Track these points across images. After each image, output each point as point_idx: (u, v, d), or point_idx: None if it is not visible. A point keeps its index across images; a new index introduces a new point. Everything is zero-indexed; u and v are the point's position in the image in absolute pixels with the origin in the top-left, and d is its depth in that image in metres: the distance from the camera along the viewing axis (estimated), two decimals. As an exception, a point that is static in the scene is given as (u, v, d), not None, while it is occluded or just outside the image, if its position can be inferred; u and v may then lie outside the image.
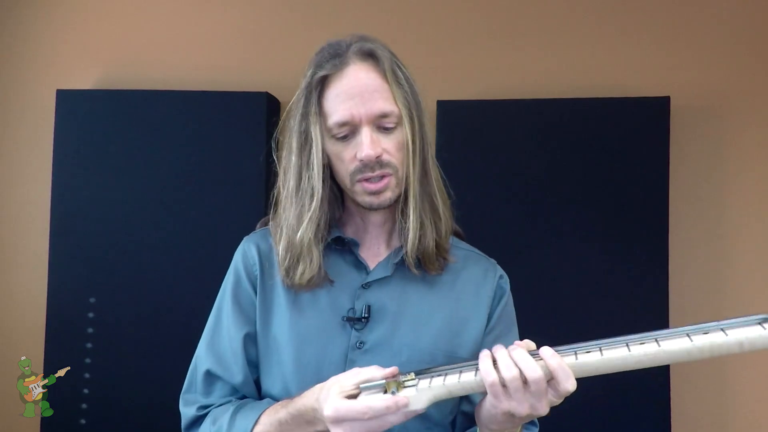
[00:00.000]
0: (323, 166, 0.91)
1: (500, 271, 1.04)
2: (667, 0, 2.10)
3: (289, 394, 0.91)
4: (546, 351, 0.76)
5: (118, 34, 2.28)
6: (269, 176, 2.08)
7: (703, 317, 2.03)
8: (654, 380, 1.90)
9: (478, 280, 1.01)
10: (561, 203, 1.98)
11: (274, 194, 1.00)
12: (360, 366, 0.82)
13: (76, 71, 2.27)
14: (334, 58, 0.90)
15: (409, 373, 0.80)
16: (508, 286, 1.03)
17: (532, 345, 0.80)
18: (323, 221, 0.93)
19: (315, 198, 0.91)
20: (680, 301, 2.01)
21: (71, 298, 2.07)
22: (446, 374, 0.79)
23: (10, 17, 2.29)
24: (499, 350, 0.78)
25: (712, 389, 2.02)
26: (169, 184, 2.07)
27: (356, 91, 0.89)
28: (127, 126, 2.09)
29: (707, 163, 2.06)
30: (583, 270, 1.96)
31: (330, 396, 0.79)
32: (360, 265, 0.97)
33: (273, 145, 1.07)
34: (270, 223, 1.02)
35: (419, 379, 0.79)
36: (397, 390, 0.77)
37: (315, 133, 0.91)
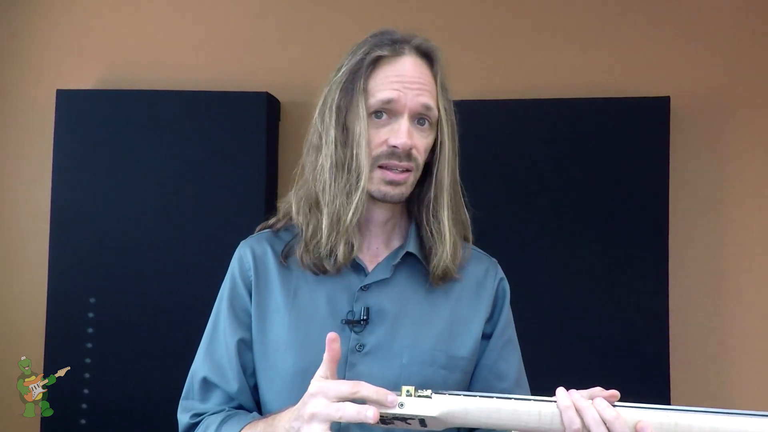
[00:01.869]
0: (368, 141, 0.90)
1: (501, 272, 1.04)
2: (667, 0, 2.10)
3: (289, 399, 0.89)
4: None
5: (118, 34, 2.28)
6: (269, 176, 2.08)
7: (703, 317, 2.04)
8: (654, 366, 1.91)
9: (479, 279, 1.01)
10: (561, 203, 1.98)
11: (297, 172, 0.98)
12: (361, 369, 0.80)
13: (76, 71, 2.27)
14: (393, 44, 0.92)
15: (426, 389, 0.75)
16: (508, 288, 1.03)
17: (616, 395, 0.74)
18: (363, 203, 0.91)
19: (363, 176, 0.89)
20: (680, 301, 2.01)
21: (71, 298, 2.07)
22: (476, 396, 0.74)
23: (11, 17, 2.29)
24: (582, 401, 0.73)
25: (712, 378, 2.03)
26: (169, 184, 2.07)
27: (407, 79, 0.90)
28: (127, 126, 2.09)
29: (707, 163, 2.06)
30: (582, 270, 1.96)
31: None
32: (358, 267, 0.96)
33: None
34: (294, 198, 0.97)
35: (435, 394, 0.74)
36: (413, 394, 0.74)
37: (360, 108, 0.90)
